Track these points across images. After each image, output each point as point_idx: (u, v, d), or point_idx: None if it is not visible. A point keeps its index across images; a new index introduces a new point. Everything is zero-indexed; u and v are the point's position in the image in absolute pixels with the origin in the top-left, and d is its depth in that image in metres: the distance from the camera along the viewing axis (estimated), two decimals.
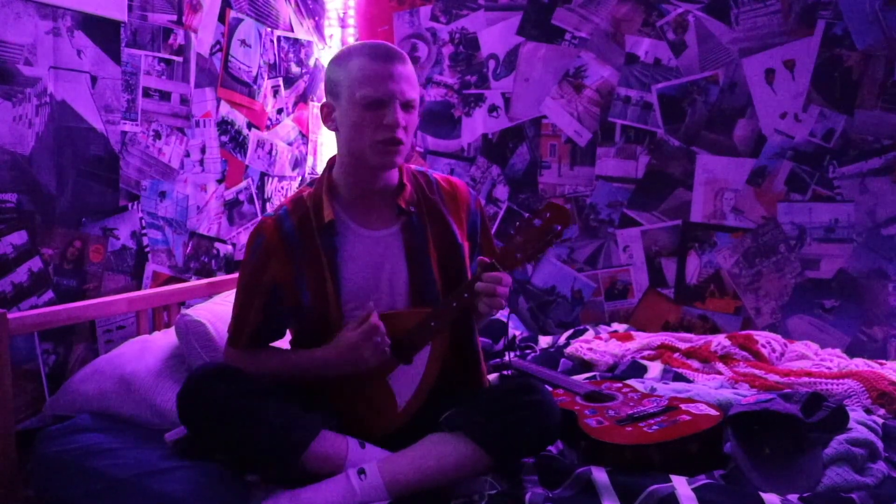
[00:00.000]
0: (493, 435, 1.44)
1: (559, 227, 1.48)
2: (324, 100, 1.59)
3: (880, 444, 1.59)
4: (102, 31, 2.02)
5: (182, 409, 1.49)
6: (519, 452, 1.49)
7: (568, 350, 2.33)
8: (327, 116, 1.58)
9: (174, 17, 2.25)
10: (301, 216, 1.58)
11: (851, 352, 2.41)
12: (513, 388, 1.54)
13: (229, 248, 2.56)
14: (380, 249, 1.59)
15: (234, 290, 2.11)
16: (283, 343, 1.72)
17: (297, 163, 2.91)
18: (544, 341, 2.56)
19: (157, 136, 2.23)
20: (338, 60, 1.56)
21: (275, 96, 2.73)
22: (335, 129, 1.58)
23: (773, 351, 2.26)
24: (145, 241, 2.22)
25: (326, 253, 1.56)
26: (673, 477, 1.40)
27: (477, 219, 1.70)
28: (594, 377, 2.07)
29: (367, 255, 1.58)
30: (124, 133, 2.12)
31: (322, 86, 3.01)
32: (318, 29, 2.99)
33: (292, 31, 2.81)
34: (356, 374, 1.53)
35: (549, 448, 1.59)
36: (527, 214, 1.41)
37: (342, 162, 1.60)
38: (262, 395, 1.47)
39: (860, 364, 2.17)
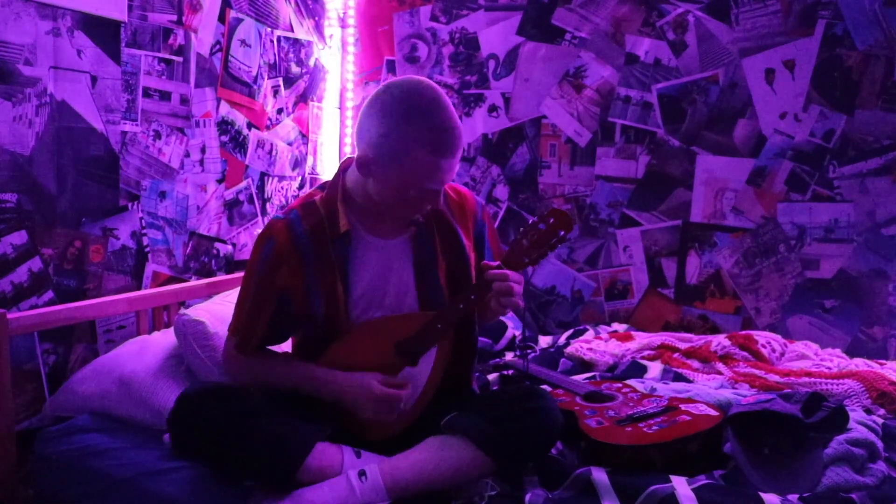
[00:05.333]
0: (497, 441, 1.44)
1: (563, 233, 1.50)
2: (363, 151, 1.48)
3: (880, 444, 1.59)
4: (102, 31, 2.02)
5: (174, 433, 1.48)
6: (522, 458, 1.49)
7: (568, 350, 2.33)
8: (365, 167, 1.49)
9: (174, 17, 2.25)
10: (314, 223, 1.55)
11: (851, 352, 2.41)
12: (516, 393, 1.54)
13: (229, 248, 2.56)
14: (389, 257, 1.59)
15: (233, 290, 2.12)
16: (285, 346, 1.72)
17: (297, 163, 2.91)
18: (544, 341, 2.56)
19: (157, 136, 2.23)
20: (395, 133, 1.43)
21: (275, 96, 2.73)
22: (368, 177, 1.51)
23: (773, 351, 2.26)
24: (145, 241, 2.22)
25: (338, 261, 1.55)
26: (673, 477, 1.40)
27: (484, 229, 1.70)
28: (594, 377, 2.07)
29: (377, 263, 1.58)
30: (124, 133, 2.12)
31: (322, 85, 3.02)
32: (318, 29, 2.99)
33: (292, 31, 2.81)
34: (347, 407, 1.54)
35: None
36: (531, 219, 1.44)
37: (365, 190, 1.54)
38: (254, 413, 1.46)
39: (860, 364, 2.17)
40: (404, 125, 1.42)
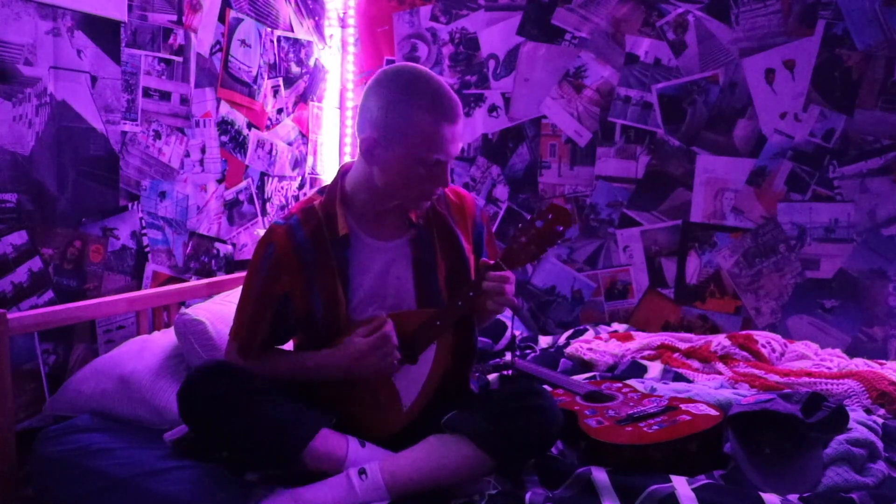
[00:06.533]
0: (496, 439, 1.44)
1: (561, 228, 1.50)
2: (367, 134, 1.50)
3: (880, 444, 1.59)
4: (102, 31, 2.02)
5: (182, 406, 1.49)
6: (521, 456, 1.49)
7: (568, 350, 2.33)
8: (369, 152, 1.51)
9: (174, 17, 2.25)
10: (314, 228, 1.57)
11: (851, 352, 2.41)
12: (515, 391, 1.54)
13: (229, 248, 2.56)
14: (388, 260, 1.60)
15: (233, 290, 2.12)
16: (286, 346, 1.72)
17: (297, 163, 2.91)
18: (544, 341, 2.56)
19: (157, 136, 2.23)
20: (398, 103, 1.47)
21: (275, 96, 2.73)
22: (373, 165, 1.52)
23: (773, 351, 2.26)
24: (145, 241, 2.22)
25: (338, 264, 1.56)
26: (673, 477, 1.40)
27: (482, 231, 1.71)
28: (594, 377, 2.07)
29: (377, 266, 1.59)
30: (124, 133, 2.12)
31: (322, 85, 3.02)
32: (318, 29, 2.99)
33: (292, 31, 2.81)
34: (360, 379, 1.54)
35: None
36: (529, 216, 1.44)
37: (368, 186, 1.56)
38: (263, 392, 1.48)
39: (860, 364, 2.17)
40: (405, 95, 1.47)
